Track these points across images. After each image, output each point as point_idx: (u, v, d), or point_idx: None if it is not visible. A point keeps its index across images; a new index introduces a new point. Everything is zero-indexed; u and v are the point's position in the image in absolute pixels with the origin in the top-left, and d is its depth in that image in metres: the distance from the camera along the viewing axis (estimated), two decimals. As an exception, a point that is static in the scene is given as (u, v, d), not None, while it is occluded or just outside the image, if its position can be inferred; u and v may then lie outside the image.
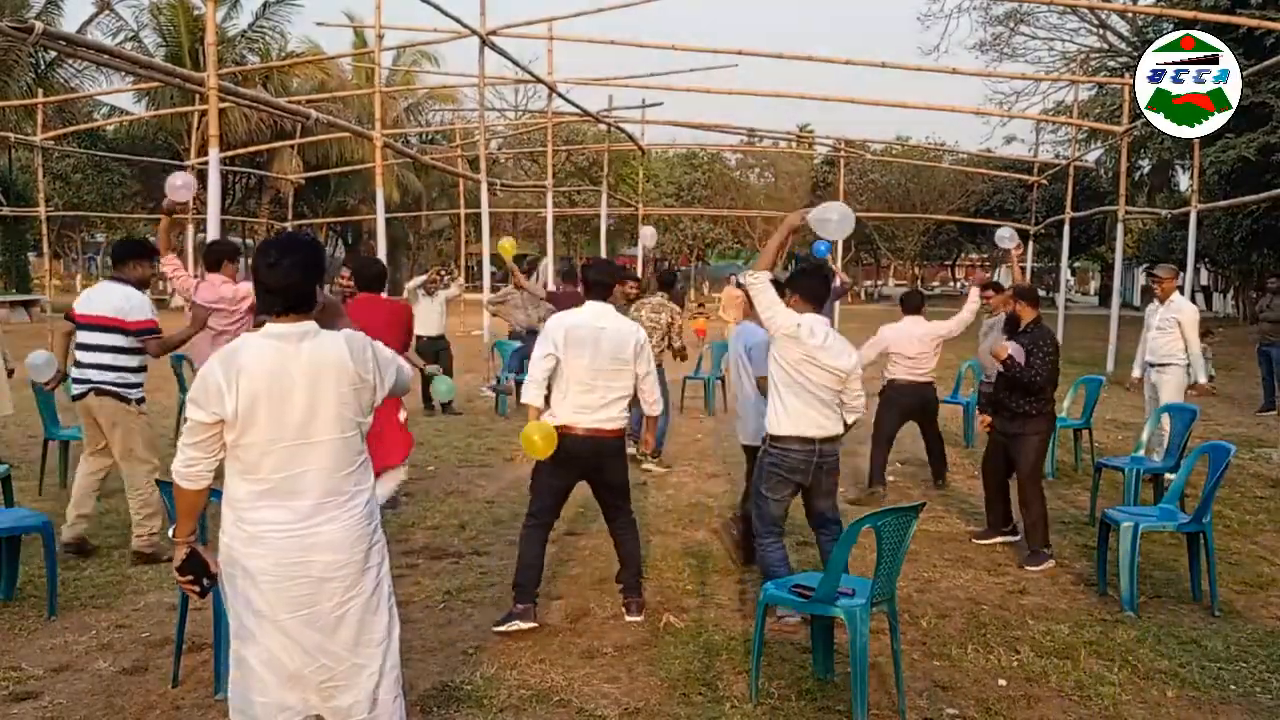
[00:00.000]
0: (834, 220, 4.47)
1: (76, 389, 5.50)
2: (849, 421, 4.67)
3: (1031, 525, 5.75)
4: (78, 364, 5.50)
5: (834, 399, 4.55)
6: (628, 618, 4.68)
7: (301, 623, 2.75)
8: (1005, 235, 8.72)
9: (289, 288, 2.74)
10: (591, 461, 4.59)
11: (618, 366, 4.55)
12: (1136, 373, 8.10)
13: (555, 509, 4.75)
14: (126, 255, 5.68)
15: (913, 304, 7.76)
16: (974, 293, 8.11)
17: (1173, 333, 7.54)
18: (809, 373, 4.48)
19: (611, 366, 4.53)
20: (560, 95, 16.13)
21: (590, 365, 4.49)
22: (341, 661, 2.80)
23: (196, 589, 2.88)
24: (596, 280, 4.73)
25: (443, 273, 11.96)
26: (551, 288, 11.53)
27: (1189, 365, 7.54)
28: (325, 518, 2.75)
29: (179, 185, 6.88)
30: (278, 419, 2.70)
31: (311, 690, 2.79)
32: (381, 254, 10.89)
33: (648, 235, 12.38)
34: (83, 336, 5.51)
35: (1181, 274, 7.96)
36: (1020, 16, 31.16)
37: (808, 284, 4.69)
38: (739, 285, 4.76)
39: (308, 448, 2.73)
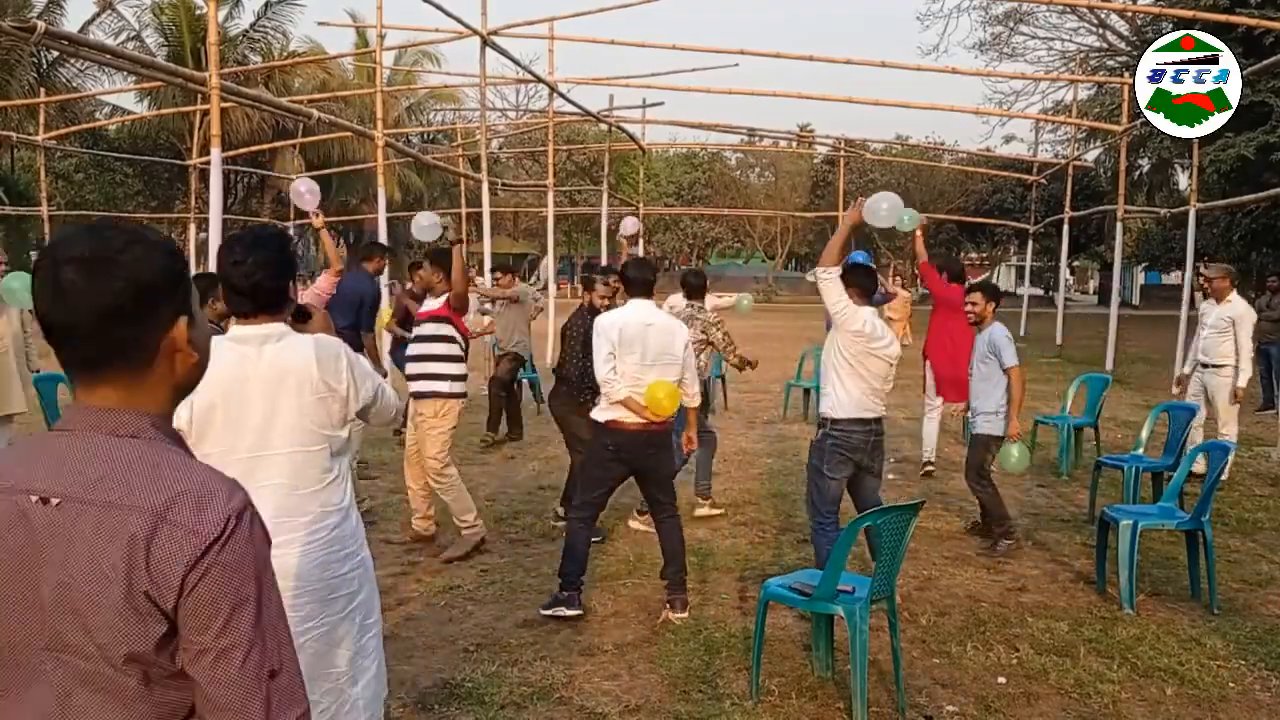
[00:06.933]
0: (884, 209, 4.79)
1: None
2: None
3: None
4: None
5: (883, 385, 4.93)
6: (672, 616, 4.67)
7: None
8: None
9: (255, 287, 2.56)
10: (641, 454, 4.75)
11: (667, 363, 4.72)
12: (1186, 369, 8.10)
13: (603, 501, 4.91)
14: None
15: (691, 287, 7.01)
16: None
17: (1229, 334, 7.56)
18: (869, 364, 4.84)
19: (660, 363, 4.70)
20: (561, 95, 16.13)
21: (640, 362, 4.65)
22: None
23: None
24: (637, 278, 4.89)
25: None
26: (551, 288, 11.55)
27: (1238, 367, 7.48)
28: (281, 539, 2.37)
29: (303, 192, 6.36)
30: (234, 428, 2.52)
31: None
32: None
33: (629, 225, 11.50)
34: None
35: (1234, 272, 7.81)
36: (1020, 16, 31.21)
37: (862, 278, 5.02)
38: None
39: (264, 460, 2.52)
